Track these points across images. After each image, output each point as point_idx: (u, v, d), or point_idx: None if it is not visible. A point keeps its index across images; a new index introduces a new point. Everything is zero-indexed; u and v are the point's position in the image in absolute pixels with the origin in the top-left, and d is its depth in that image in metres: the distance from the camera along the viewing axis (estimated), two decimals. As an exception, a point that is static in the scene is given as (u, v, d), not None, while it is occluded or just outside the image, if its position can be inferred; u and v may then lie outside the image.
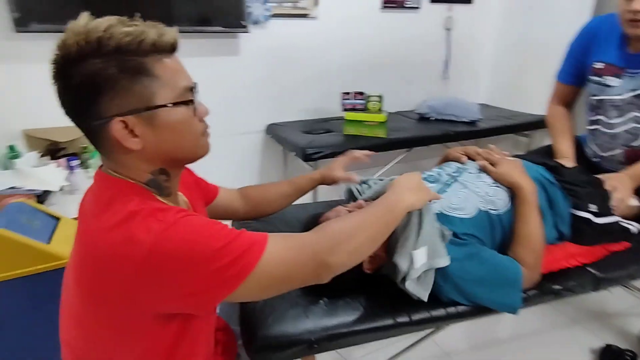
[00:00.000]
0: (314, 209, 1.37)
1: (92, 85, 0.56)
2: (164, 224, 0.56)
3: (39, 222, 1.23)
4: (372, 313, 0.89)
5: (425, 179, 1.12)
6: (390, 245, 0.89)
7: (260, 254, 0.59)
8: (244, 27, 2.09)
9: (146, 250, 0.54)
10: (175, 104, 0.60)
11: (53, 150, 1.87)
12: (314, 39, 2.37)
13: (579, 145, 1.50)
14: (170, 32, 0.60)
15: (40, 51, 1.81)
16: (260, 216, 1.10)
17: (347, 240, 0.67)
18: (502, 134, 2.51)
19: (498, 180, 1.06)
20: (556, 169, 1.19)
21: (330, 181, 1.11)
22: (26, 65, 1.77)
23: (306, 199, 2.80)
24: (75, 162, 1.74)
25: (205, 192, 0.96)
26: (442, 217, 0.97)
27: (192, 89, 0.63)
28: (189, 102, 0.62)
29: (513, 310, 0.90)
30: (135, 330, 0.61)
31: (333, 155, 1.96)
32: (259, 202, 1.07)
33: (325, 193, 2.53)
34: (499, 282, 0.90)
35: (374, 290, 0.95)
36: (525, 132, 2.64)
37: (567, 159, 1.37)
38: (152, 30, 0.58)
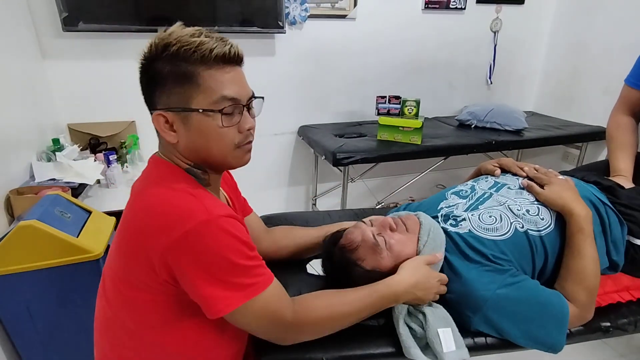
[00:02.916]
0: (338, 216, 1.32)
1: (151, 81, 0.67)
2: (208, 214, 0.62)
3: (71, 215, 1.28)
4: (393, 337, 0.82)
5: (455, 193, 1.04)
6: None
7: (257, 293, 0.65)
8: (281, 27, 2.07)
9: (195, 224, 0.60)
10: (205, 110, 0.66)
11: (94, 145, 1.96)
12: (351, 41, 2.32)
13: (640, 163, 1.33)
14: (223, 46, 0.65)
15: (86, 49, 1.91)
16: (276, 257, 1.00)
17: (319, 329, 0.75)
18: (550, 145, 2.33)
19: (546, 203, 0.93)
20: (611, 190, 1.06)
21: None
22: (73, 63, 1.86)
23: (333, 206, 2.76)
24: (112, 157, 1.80)
25: (240, 204, 0.97)
26: (472, 238, 0.88)
27: (232, 99, 0.67)
28: (218, 111, 0.66)
29: (554, 350, 0.80)
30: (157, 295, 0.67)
31: (364, 161, 1.90)
32: (285, 244, 1.02)
33: (353, 199, 2.48)
34: (541, 320, 0.80)
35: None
36: (577, 144, 2.44)
37: (625, 177, 1.21)
38: (209, 44, 0.64)
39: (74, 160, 1.66)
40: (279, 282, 0.71)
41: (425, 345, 0.79)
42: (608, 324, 0.90)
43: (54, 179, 1.52)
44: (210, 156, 0.70)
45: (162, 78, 0.65)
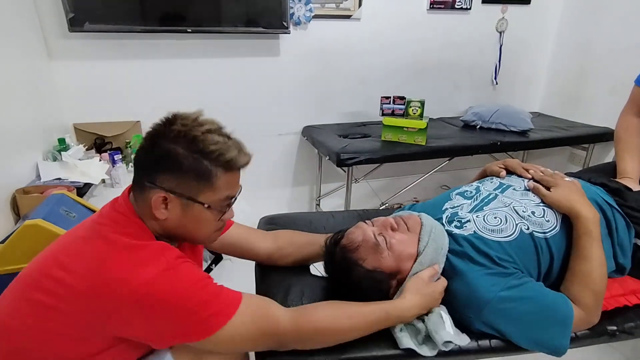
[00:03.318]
0: (342, 217, 1.32)
1: (164, 160, 0.67)
2: (165, 264, 0.64)
3: (76, 215, 1.28)
4: (395, 339, 0.81)
5: (460, 194, 1.03)
6: None
7: (228, 319, 0.66)
8: (286, 27, 2.07)
9: (142, 282, 0.61)
10: (210, 207, 0.70)
11: (99, 145, 1.97)
12: (356, 41, 2.31)
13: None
14: (246, 157, 0.71)
15: (92, 50, 1.92)
16: (283, 262, 1.02)
17: (321, 339, 0.75)
18: (556, 146, 2.31)
19: (553, 205, 0.92)
20: (618, 192, 1.04)
21: None
22: (79, 63, 1.87)
23: (336, 206, 2.76)
24: (117, 157, 1.81)
25: None
26: (476, 240, 0.87)
27: (232, 197, 0.73)
28: (220, 210, 0.73)
29: (557, 353, 0.79)
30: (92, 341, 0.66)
31: (368, 161, 1.90)
32: (289, 252, 1.02)
33: (357, 200, 2.48)
34: (545, 322, 0.79)
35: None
36: (584, 145, 2.42)
37: (632, 180, 1.20)
38: (234, 150, 0.69)
39: (79, 159, 1.67)
40: (254, 295, 0.75)
41: (424, 339, 0.81)
42: (614, 327, 0.89)
43: (59, 179, 1.53)
44: (191, 238, 0.75)
45: (179, 165, 0.66)
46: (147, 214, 0.70)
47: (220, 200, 0.71)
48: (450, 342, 0.79)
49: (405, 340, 0.80)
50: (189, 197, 0.68)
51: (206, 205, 0.70)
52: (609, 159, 2.41)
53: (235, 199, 0.75)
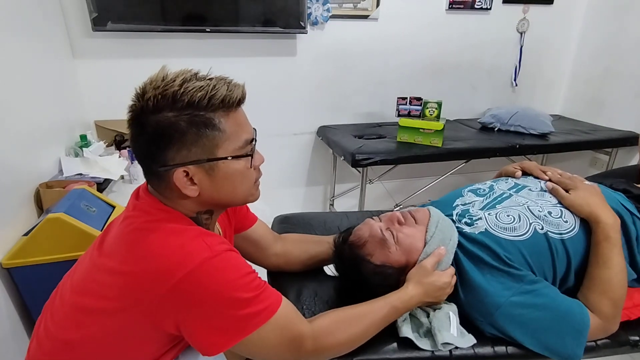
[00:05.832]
0: (356, 217, 1.31)
1: (162, 135, 0.60)
2: (210, 252, 0.60)
3: (96, 209, 1.32)
4: (409, 342, 0.80)
5: (472, 191, 1.01)
6: None
7: (265, 322, 0.62)
8: (303, 27, 2.08)
9: (187, 270, 0.58)
10: (235, 157, 0.65)
11: (119, 142, 2.01)
12: (373, 41, 2.30)
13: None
14: (238, 89, 0.64)
15: (113, 48, 1.97)
16: (288, 267, 1.00)
17: (339, 352, 0.73)
18: (577, 149, 2.25)
19: (571, 208, 0.90)
20: (641, 198, 1.01)
21: None
22: (101, 62, 1.92)
23: (350, 207, 2.75)
24: (136, 154, 1.84)
25: (241, 217, 0.94)
26: (487, 239, 0.85)
27: (252, 140, 0.67)
28: (247, 155, 0.66)
29: None
30: (139, 337, 0.65)
31: (383, 162, 1.89)
32: (296, 255, 1.00)
33: (371, 201, 2.47)
34: (558, 328, 0.77)
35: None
36: (606, 150, 2.35)
37: (657, 185, 1.16)
38: (223, 87, 0.62)
39: (99, 156, 1.72)
40: (290, 302, 0.69)
41: (425, 333, 0.81)
42: (637, 337, 0.86)
43: (80, 174, 1.57)
44: (232, 199, 0.70)
45: (178, 131, 0.60)
46: (177, 198, 0.66)
47: (240, 147, 0.65)
48: (450, 344, 0.78)
49: (405, 329, 0.80)
50: (208, 158, 0.62)
51: (229, 157, 0.64)
52: (632, 164, 2.34)
53: (256, 141, 0.69)
